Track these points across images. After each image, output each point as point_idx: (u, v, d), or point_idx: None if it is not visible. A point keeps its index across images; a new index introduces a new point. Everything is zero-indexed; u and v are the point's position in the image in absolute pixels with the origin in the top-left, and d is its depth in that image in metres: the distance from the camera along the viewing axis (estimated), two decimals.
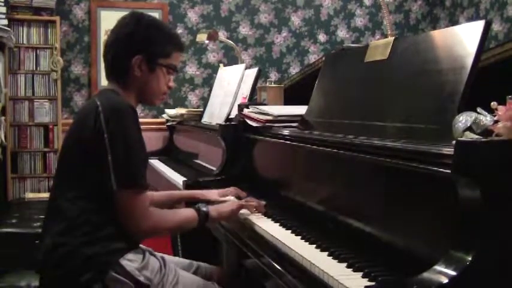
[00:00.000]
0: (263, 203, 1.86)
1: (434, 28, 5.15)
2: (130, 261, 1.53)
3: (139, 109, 1.61)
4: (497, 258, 1.02)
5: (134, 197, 1.52)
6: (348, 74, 1.91)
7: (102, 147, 1.49)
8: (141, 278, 1.53)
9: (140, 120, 1.59)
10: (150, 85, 1.70)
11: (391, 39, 1.70)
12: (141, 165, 1.55)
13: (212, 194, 2.05)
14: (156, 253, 1.68)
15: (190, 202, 1.98)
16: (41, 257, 1.55)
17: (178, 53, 1.76)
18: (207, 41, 3.58)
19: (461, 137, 1.11)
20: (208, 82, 4.67)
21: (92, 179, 1.52)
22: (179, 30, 4.65)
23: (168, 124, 3.90)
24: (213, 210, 1.74)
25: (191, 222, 1.69)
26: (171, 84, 1.77)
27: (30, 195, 4.00)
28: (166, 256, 1.79)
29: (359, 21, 5.14)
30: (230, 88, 2.95)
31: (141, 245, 1.64)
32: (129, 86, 1.69)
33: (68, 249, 1.49)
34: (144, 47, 1.66)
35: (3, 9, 3.70)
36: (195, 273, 1.84)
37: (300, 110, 2.13)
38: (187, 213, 1.71)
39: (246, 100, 2.73)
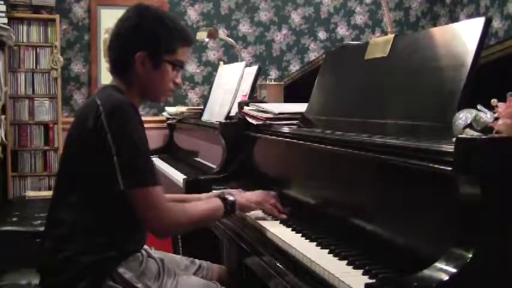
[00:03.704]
0: (284, 216, 1.74)
1: (434, 25, 5.15)
2: (128, 269, 1.51)
3: (139, 107, 1.59)
4: (497, 256, 1.02)
5: (148, 193, 1.45)
6: (348, 72, 1.91)
7: (106, 148, 1.44)
8: (139, 285, 1.51)
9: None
10: (154, 82, 1.62)
11: (391, 36, 1.69)
12: (149, 162, 1.49)
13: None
14: (154, 254, 1.66)
15: None
16: (41, 259, 1.54)
17: (185, 47, 1.65)
18: (207, 39, 3.56)
19: (461, 134, 1.11)
20: (208, 80, 4.66)
21: (92, 181, 1.49)
22: None
23: (168, 122, 3.89)
24: (241, 197, 1.67)
25: (216, 213, 1.61)
26: (178, 81, 1.67)
27: (30, 194, 3.99)
28: (166, 255, 1.78)
29: (359, 19, 5.13)
30: (230, 86, 2.95)
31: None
32: (133, 83, 1.61)
33: (65, 255, 1.47)
34: (147, 43, 1.58)
35: (3, 8, 3.69)
36: (196, 272, 1.82)
37: (300, 107, 2.13)
38: (211, 203, 1.62)
39: (246, 98, 2.73)
